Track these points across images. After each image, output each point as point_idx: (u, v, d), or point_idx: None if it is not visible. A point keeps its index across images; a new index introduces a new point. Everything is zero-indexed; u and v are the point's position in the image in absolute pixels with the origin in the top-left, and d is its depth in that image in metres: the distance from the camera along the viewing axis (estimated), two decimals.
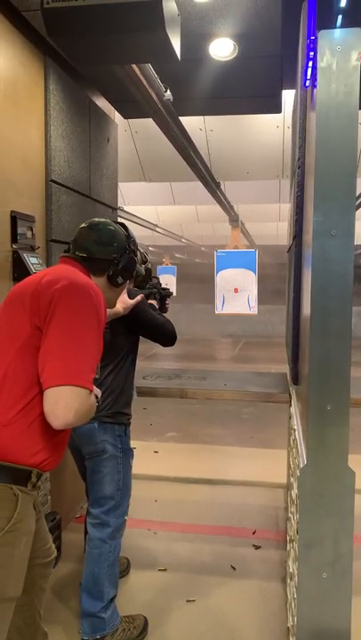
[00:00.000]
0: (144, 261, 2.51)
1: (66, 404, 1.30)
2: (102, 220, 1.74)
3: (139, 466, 2.68)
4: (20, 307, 1.42)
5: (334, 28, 1.44)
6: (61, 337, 1.35)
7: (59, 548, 2.84)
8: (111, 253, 1.66)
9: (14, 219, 2.41)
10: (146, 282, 2.55)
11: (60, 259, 1.68)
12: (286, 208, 6.36)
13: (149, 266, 2.54)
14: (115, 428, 2.24)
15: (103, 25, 1.83)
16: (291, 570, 1.94)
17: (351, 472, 1.41)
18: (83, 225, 1.72)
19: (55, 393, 1.30)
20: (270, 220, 11.00)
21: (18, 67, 2.44)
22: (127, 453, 2.30)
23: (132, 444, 2.45)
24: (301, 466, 1.45)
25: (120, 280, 1.69)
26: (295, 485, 1.76)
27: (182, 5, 2.29)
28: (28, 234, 2.54)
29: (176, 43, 2.05)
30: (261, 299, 7.86)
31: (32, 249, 2.55)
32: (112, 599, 2.22)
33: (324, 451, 1.42)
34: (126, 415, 2.31)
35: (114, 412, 2.24)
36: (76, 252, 1.64)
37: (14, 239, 2.41)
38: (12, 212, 2.40)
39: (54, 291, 1.39)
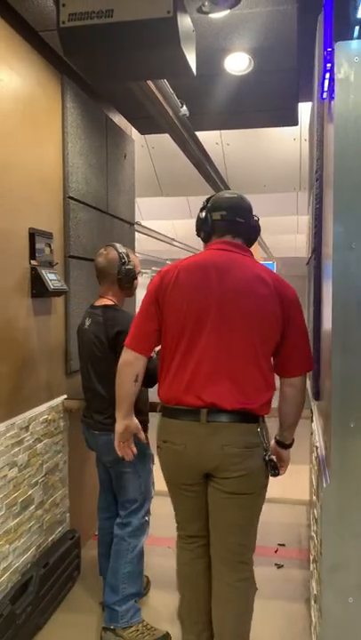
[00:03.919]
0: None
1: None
2: (232, 191, 2.16)
3: (158, 483, 2.65)
4: (270, 320, 1.84)
5: (351, 39, 1.43)
6: (300, 335, 1.90)
7: (78, 566, 2.81)
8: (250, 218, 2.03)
9: (32, 235, 2.43)
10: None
11: (221, 243, 1.95)
12: (304, 220, 6.32)
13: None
14: None
15: (119, 42, 1.84)
16: (315, 592, 1.89)
17: None
18: (229, 195, 2.04)
19: (300, 379, 1.95)
20: (288, 232, 10.95)
21: (36, 86, 2.47)
22: (144, 458, 2.39)
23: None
24: (324, 485, 1.41)
25: None
26: (318, 504, 1.71)
27: (197, 21, 2.30)
28: (47, 250, 2.55)
29: (192, 58, 2.05)
30: None
31: (50, 265, 2.56)
32: (129, 596, 2.31)
33: (348, 469, 1.38)
34: (140, 422, 2.31)
35: None
36: (237, 219, 1.96)
37: (33, 256, 2.43)
38: (30, 228, 2.42)
39: (288, 301, 1.86)
